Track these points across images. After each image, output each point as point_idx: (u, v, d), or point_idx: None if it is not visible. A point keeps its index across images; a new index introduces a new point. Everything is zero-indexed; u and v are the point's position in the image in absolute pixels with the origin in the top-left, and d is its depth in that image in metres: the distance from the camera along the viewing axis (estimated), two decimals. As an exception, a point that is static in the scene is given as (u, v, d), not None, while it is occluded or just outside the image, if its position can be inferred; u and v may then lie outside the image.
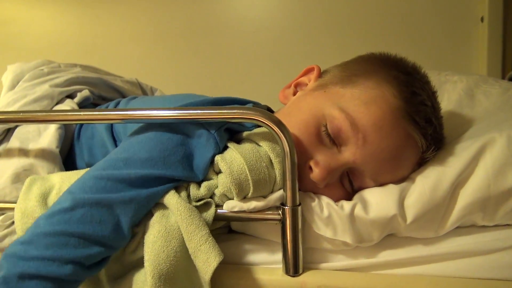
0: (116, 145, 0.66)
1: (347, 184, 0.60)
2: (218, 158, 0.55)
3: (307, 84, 0.68)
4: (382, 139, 0.57)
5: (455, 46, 1.45)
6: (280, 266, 0.57)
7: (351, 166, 0.58)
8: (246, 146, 0.56)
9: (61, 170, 0.66)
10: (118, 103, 0.77)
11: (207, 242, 0.51)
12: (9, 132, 0.71)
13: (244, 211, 0.55)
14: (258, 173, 0.54)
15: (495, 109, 0.70)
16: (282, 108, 0.68)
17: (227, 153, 0.56)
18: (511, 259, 0.54)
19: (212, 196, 0.57)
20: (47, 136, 0.68)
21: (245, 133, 0.59)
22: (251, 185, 0.54)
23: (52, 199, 0.55)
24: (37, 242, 0.48)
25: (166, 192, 0.54)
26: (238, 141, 0.59)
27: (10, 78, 0.81)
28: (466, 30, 1.43)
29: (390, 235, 0.58)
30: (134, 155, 0.54)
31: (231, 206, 0.55)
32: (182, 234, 0.52)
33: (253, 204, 0.55)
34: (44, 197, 0.55)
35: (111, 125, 0.68)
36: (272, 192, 0.57)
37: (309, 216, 0.56)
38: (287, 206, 0.54)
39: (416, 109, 0.59)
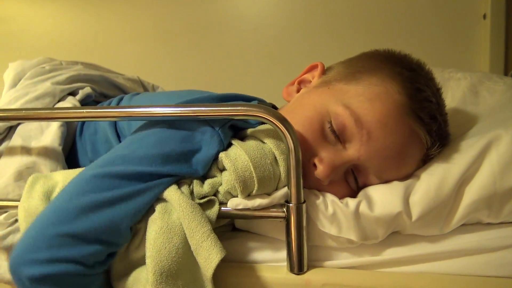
0: (120, 141, 0.66)
1: (351, 181, 0.60)
2: (222, 155, 0.55)
3: (310, 81, 0.67)
4: (386, 136, 0.57)
5: (458, 43, 1.44)
6: (285, 264, 0.56)
7: (355, 163, 0.58)
8: (251, 143, 0.56)
9: (63, 168, 0.66)
10: (121, 99, 0.77)
11: (209, 239, 0.51)
12: (11, 130, 0.71)
13: (248, 209, 0.55)
14: (262, 170, 0.54)
15: (500, 106, 0.70)
16: (286, 105, 0.68)
17: (231, 150, 0.56)
18: (516, 257, 0.53)
19: (215, 193, 0.56)
20: (49, 134, 0.68)
21: (249, 130, 0.59)
22: (255, 182, 0.54)
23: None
24: (37, 244, 0.48)
25: (166, 187, 0.54)
26: (242, 138, 0.59)
27: (11, 76, 0.81)
28: (469, 28, 1.43)
29: (395, 232, 0.57)
30: (133, 152, 0.54)
31: (236, 203, 0.55)
32: (184, 231, 0.52)
33: (257, 202, 0.54)
34: (47, 195, 0.55)
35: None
36: (276, 189, 0.57)
37: (314, 214, 0.55)
38: (292, 204, 0.53)
39: (421, 105, 0.58)
